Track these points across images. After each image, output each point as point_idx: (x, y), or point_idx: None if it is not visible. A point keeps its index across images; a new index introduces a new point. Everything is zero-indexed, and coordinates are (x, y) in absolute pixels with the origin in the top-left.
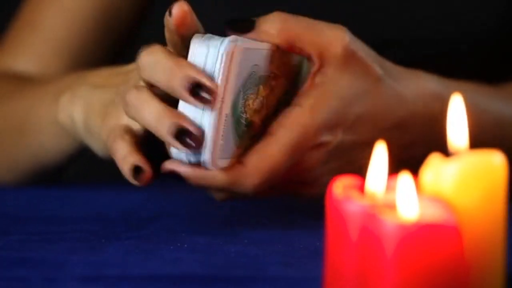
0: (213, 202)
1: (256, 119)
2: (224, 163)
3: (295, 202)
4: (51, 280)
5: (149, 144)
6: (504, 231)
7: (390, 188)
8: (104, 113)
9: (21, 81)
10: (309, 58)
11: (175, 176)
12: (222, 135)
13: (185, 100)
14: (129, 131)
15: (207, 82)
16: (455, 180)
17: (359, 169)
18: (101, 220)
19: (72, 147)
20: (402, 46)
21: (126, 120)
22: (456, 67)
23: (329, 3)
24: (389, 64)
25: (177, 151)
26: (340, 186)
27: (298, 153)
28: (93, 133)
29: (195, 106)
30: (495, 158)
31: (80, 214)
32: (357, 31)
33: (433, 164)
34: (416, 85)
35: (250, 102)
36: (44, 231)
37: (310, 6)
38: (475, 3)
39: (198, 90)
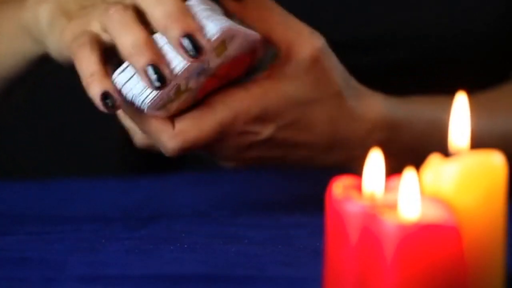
0: (213, 202)
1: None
2: (157, 113)
3: (296, 202)
4: (51, 280)
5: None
6: (504, 231)
7: (389, 188)
8: (73, 14)
9: None
10: (277, 50)
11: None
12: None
13: (175, 49)
14: (98, 41)
15: (201, 41)
16: (455, 180)
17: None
18: (101, 220)
19: (32, 50)
20: (399, 43)
21: (96, 29)
22: (452, 66)
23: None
24: (354, 84)
25: (125, 76)
26: (340, 186)
27: (224, 133)
28: (54, 31)
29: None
30: (495, 158)
31: (80, 214)
32: (354, 27)
33: (433, 164)
34: (370, 112)
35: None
36: (44, 231)
37: (305, 2)
38: (475, 2)
39: (190, 44)
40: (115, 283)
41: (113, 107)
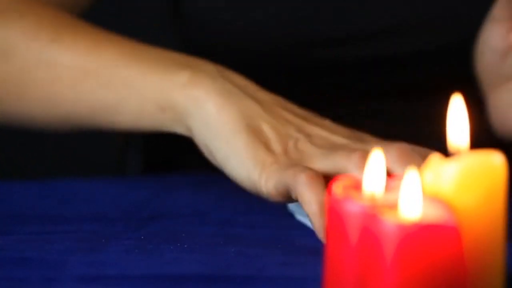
0: (213, 202)
1: None
2: None
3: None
4: (51, 280)
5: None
6: (504, 231)
7: (389, 188)
8: (273, 139)
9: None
10: None
11: None
12: None
13: None
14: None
15: None
16: (455, 180)
17: None
18: (101, 220)
19: (174, 130)
20: (399, 36)
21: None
22: (448, 61)
23: None
24: None
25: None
26: (340, 186)
27: None
28: (230, 156)
29: None
30: (495, 158)
31: (80, 214)
32: (353, 19)
33: (433, 164)
34: None
35: None
36: (44, 231)
37: None
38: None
39: None
40: (115, 283)
41: None
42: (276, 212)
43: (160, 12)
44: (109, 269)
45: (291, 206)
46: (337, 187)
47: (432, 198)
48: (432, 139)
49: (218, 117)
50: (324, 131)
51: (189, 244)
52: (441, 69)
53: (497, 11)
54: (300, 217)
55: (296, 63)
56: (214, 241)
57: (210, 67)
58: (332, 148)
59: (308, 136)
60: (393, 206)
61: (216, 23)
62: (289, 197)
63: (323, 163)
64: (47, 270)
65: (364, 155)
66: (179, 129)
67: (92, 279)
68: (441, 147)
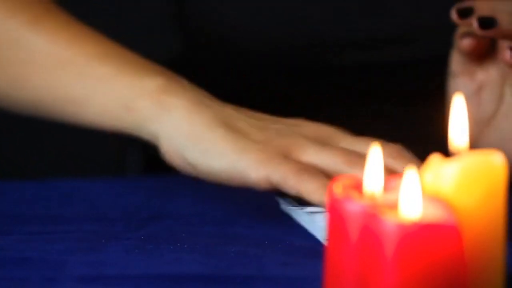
0: (213, 202)
1: None
2: None
3: None
4: (51, 280)
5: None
6: (504, 231)
7: (389, 188)
8: (256, 136)
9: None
10: None
11: None
12: None
13: None
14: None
15: None
16: (455, 180)
17: None
18: (101, 220)
19: (130, 131)
20: (399, 40)
21: (308, 159)
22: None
23: None
24: None
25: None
26: (340, 186)
27: None
28: (209, 149)
29: None
30: (495, 158)
31: (80, 214)
32: (359, 26)
33: (433, 164)
34: None
35: None
36: (44, 231)
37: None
38: None
39: None
40: (115, 283)
41: None
42: (276, 212)
43: (160, 12)
44: (109, 269)
45: (286, 208)
46: (337, 187)
47: (432, 198)
48: (432, 140)
49: (190, 118)
50: (303, 122)
51: (189, 244)
52: (442, 73)
53: (454, 67)
54: (297, 217)
55: (296, 63)
56: (214, 241)
57: (184, 80)
58: (318, 137)
59: (288, 125)
60: (393, 206)
61: (217, 23)
62: (279, 189)
63: (318, 157)
64: (47, 270)
65: (361, 155)
66: (141, 133)
67: (92, 279)
68: (441, 148)
